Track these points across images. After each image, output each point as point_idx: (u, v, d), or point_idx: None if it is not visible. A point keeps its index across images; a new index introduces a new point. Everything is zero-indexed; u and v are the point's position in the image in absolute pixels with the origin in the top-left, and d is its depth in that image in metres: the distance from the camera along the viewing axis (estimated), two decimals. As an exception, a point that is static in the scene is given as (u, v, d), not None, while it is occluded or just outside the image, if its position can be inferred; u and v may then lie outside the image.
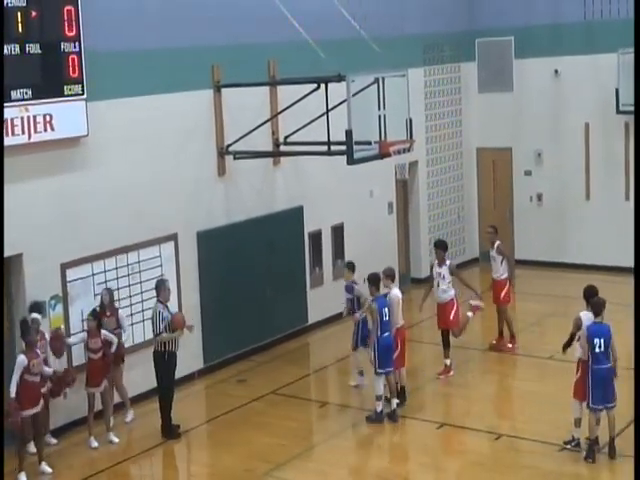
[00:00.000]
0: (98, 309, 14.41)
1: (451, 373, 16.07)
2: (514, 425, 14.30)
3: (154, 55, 15.48)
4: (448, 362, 16.13)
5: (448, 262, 16.31)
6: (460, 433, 13.86)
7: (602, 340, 12.59)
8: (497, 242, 17.41)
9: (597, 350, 12.58)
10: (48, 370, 13.14)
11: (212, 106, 16.63)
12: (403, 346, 14.97)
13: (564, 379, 13.98)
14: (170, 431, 14.24)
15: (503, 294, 17.32)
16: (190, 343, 15.61)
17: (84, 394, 13.97)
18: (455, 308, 16.16)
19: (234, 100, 16.76)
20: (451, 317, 16.12)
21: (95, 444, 13.90)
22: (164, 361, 14.20)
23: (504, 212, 23.45)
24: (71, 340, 14.18)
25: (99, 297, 14.54)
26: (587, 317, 12.97)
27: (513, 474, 12.68)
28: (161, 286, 14.47)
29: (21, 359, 12.77)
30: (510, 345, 17.30)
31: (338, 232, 19.58)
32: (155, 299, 14.44)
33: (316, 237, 19.05)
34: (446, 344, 16.20)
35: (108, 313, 14.40)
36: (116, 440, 14.09)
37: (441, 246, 16.52)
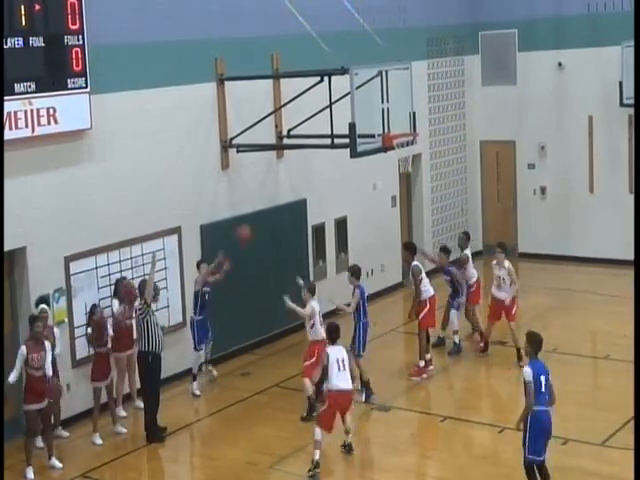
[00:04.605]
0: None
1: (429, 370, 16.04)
2: (517, 418, 14.26)
3: (157, 48, 15.47)
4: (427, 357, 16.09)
5: (414, 263, 16.13)
6: (463, 426, 13.86)
7: (546, 377, 11.27)
8: (507, 262, 16.57)
9: (543, 390, 11.23)
10: (48, 372, 12.84)
11: (215, 99, 16.63)
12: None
13: (567, 372, 13.99)
14: (155, 434, 13.93)
15: (514, 311, 16.69)
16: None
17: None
18: (428, 307, 16.01)
19: (237, 93, 16.76)
20: (420, 316, 16.00)
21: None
22: (148, 363, 13.86)
23: (508, 205, 23.46)
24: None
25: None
26: (332, 351, 12.75)
27: (517, 467, 12.67)
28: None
29: (21, 350, 12.64)
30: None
31: (341, 225, 19.57)
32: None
33: (319, 230, 19.05)
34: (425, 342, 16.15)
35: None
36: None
37: (408, 247, 16.53)
